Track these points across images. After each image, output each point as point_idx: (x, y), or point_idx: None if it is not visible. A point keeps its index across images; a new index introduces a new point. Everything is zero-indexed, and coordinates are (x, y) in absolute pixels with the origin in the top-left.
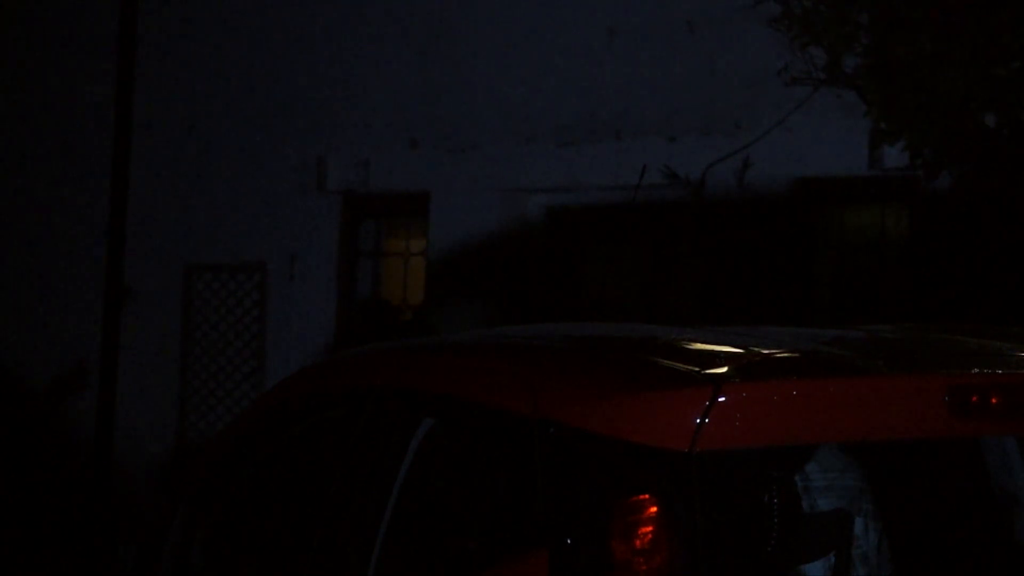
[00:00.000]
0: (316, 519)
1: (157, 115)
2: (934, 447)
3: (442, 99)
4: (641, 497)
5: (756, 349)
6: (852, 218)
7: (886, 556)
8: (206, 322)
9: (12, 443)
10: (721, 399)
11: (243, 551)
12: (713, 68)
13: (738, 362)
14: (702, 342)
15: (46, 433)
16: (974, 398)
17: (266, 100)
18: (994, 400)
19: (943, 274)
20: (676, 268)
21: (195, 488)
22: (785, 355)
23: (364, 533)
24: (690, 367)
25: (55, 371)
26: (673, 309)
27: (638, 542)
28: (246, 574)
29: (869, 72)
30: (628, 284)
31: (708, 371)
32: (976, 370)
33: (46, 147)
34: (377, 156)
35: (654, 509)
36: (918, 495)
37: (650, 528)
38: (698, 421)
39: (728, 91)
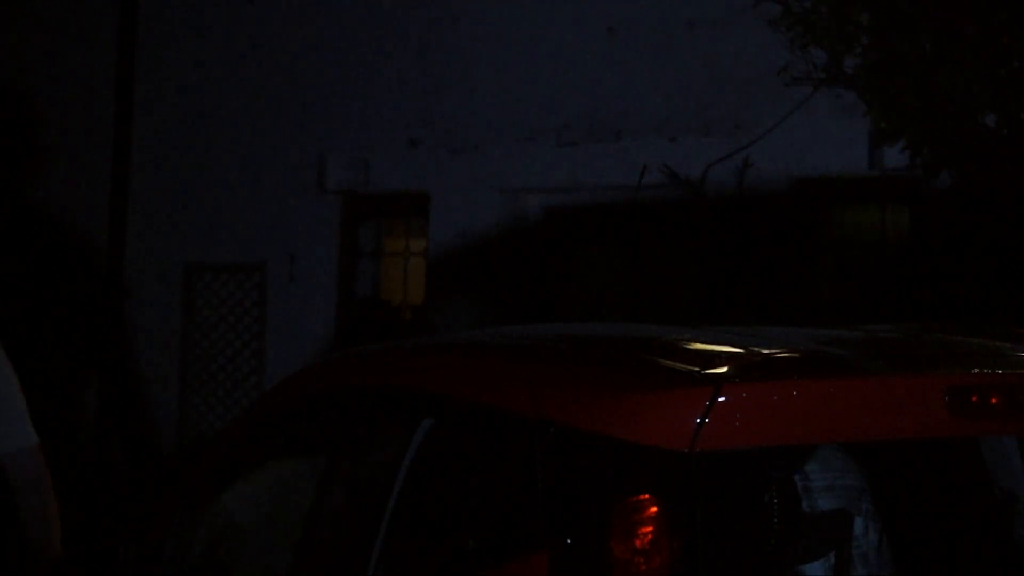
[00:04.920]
0: (316, 519)
1: (157, 115)
2: (934, 447)
3: (442, 99)
4: (641, 497)
5: (756, 349)
6: (852, 218)
7: (886, 556)
8: (206, 322)
9: None
10: (721, 399)
11: (243, 551)
12: (713, 68)
13: (738, 362)
14: (702, 342)
15: (47, 432)
16: (974, 398)
17: (266, 100)
18: (994, 400)
19: (943, 274)
20: (676, 268)
21: (195, 488)
22: (785, 355)
23: (364, 533)
24: (690, 367)
25: (56, 371)
26: (673, 309)
27: (638, 542)
28: (246, 574)
29: (869, 72)
30: (628, 284)
31: (708, 371)
32: (976, 370)
33: (46, 146)
34: (377, 156)
35: (654, 509)
36: (918, 495)
37: (650, 528)
38: (698, 421)
39: (728, 91)
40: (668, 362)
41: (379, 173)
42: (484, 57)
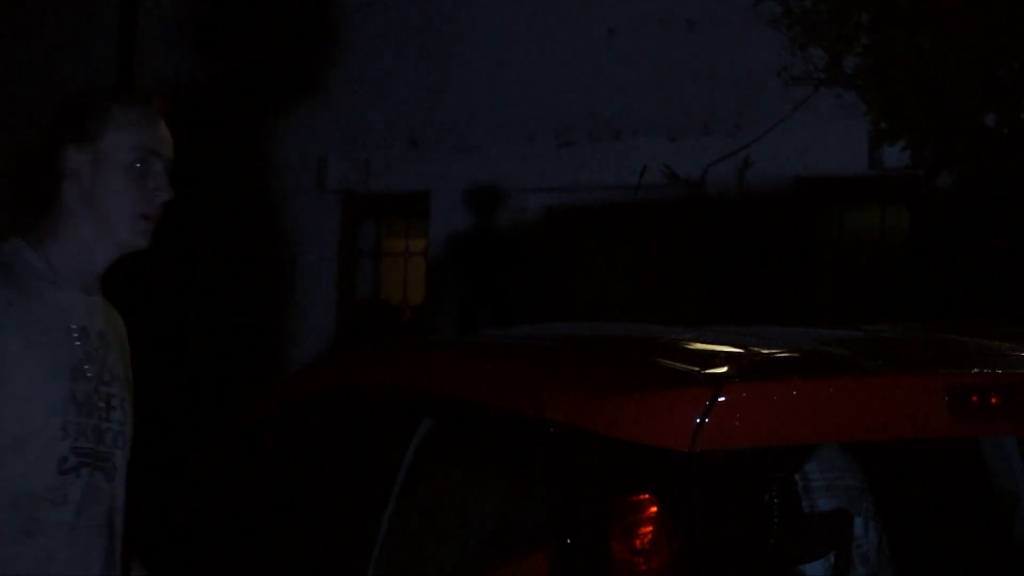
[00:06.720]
0: (316, 519)
1: None
2: (934, 447)
3: (442, 99)
4: (641, 497)
5: (756, 349)
6: (852, 218)
7: (886, 556)
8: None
9: None
10: (721, 399)
11: (243, 550)
12: (713, 68)
13: (738, 362)
14: (702, 342)
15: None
16: (974, 398)
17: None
18: (994, 400)
19: (943, 274)
20: (676, 268)
21: (195, 487)
22: (785, 355)
23: (364, 533)
24: (690, 367)
25: None
26: (673, 309)
27: (638, 542)
28: (246, 573)
29: (869, 72)
30: (628, 284)
31: (708, 371)
32: (976, 370)
33: None
34: (377, 156)
35: (654, 509)
36: (918, 495)
37: (650, 528)
38: (698, 421)
39: (728, 91)
40: (668, 362)
41: (379, 173)
42: (484, 57)
